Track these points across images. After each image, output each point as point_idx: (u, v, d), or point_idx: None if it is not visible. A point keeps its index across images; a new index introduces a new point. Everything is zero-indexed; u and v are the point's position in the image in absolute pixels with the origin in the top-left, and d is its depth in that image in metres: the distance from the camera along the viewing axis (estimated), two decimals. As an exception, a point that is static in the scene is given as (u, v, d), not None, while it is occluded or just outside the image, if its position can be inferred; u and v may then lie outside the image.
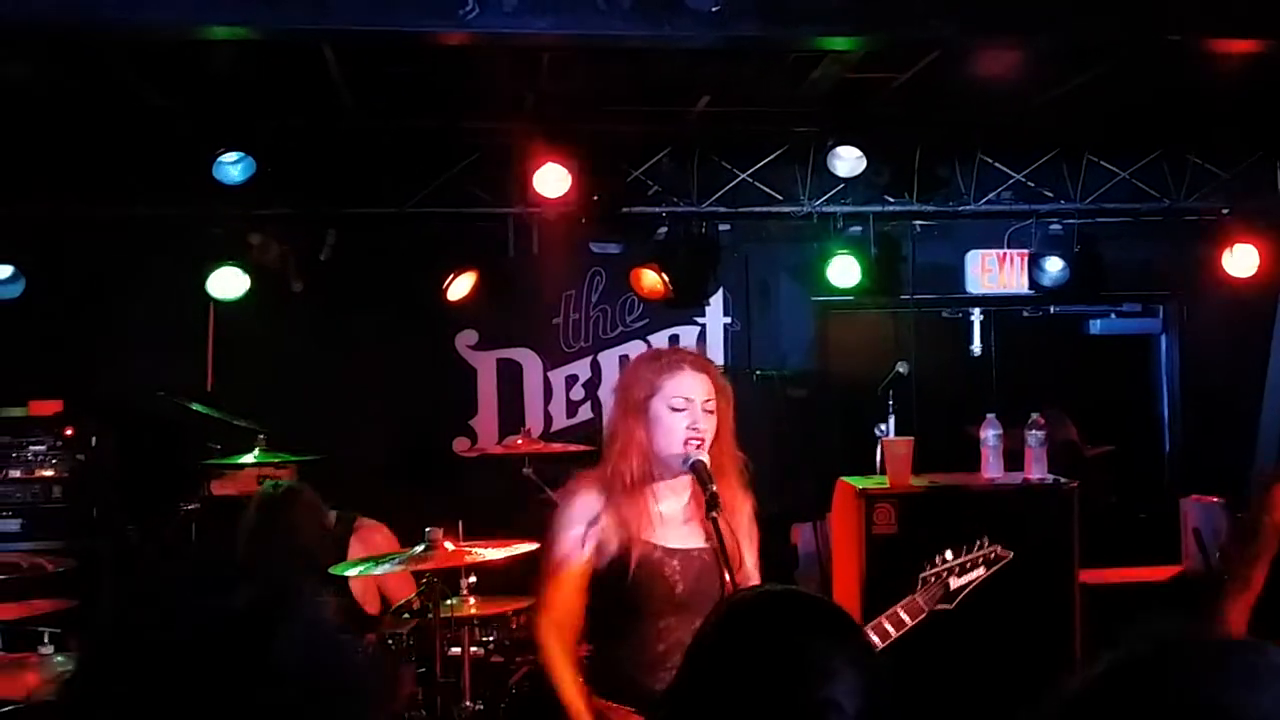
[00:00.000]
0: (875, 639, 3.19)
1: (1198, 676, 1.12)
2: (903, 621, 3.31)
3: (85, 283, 7.27)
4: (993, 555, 3.50)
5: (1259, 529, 3.84)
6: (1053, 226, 7.79)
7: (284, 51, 5.67)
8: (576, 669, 3.26)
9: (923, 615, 3.33)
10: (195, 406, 6.69)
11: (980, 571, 3.47)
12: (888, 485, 5.69)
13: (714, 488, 3.16)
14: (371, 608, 5.16)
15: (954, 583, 3.43)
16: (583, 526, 3.24)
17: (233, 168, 6.52)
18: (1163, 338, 8.62)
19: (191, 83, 6.14)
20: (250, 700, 1.21)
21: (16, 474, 6.61)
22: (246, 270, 6.98)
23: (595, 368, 8.06)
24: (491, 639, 5.22)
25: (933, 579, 3.43)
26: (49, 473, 6.62)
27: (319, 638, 1.30)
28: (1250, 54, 5.37)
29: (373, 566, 4.41)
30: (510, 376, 7.98)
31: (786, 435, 7.32)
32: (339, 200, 7.18)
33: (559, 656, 3.24)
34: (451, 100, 6.57)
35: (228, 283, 6.96)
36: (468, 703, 4.77)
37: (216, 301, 7.11)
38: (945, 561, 3.46)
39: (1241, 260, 7.50)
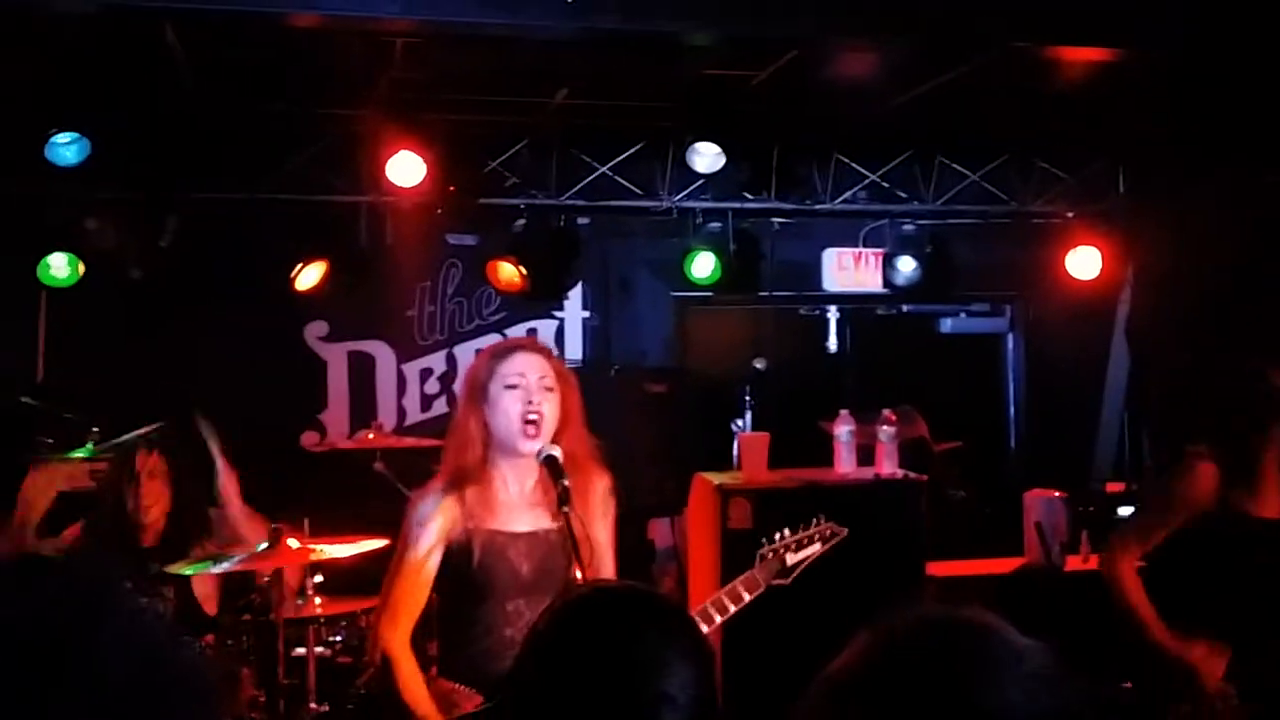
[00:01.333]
0: (715, 614, 3.27)
1: (944, 661, 1.18)
2: (740, 596, 3.39)
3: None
4: (829, 532, 3.65)
5: (1174, 500, 3.98)
6: (906, 227, 7.94)
7: (123, 28, 5.41)
8: (418, 668, 3.21)
9: (760, 590, 3.45)
10: (24, 399, 6.35)
11: (816, 548, 3.60)
12: (743, 480, 5.71)
13: (565, 482, 3.15)
14: (210, 606, 4.96)
15: (790, 558, 3.55)
16: (430, 531, 3.23)
17: (67, 149, 6.19)
18: (1009, 337, 8.88)
19: (25, 58, 5.82)
20: (57, 709, 1.10)
21: None
22: (81, 256, 6.67)
23: (451, 361, 7.93)
24: (339, 639, 5.09)
25: (770, 555, 3.52)
26: None
27: (138, 638, 1.19)
28: (1094, 62, 5.55)
29: (210, 566, 4.23)
30: (362, 369, 7.80)
31: (644, 430, 7.29)
32: (181, 185, 6.90)
33: (402, 655, 3.21)
34: (302, 84, 6.37)
35: (60, 270, 6.64)
36: (313, 705, 4.63)
37: (49, 289, 6.78)
38: (783, 538, 3.56)
39: (1084, 262, 7.76)
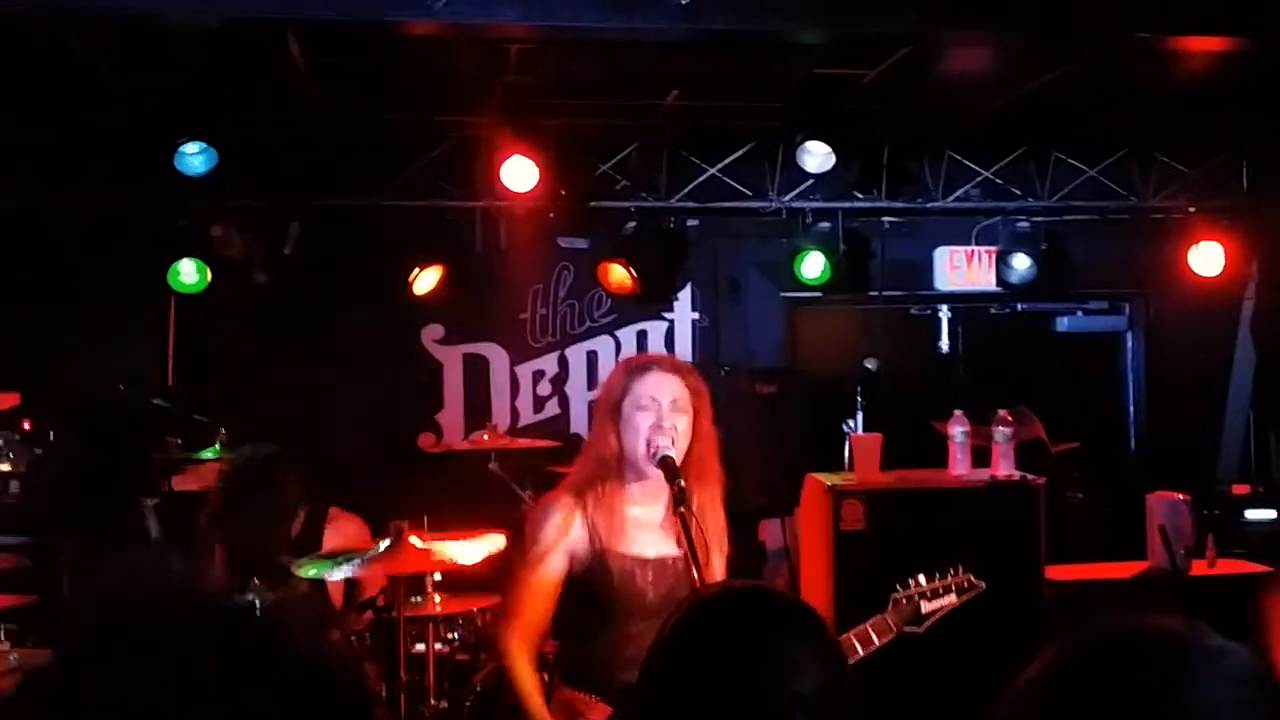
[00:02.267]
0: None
1: (1141, 665, 1.18)
2: (871, 640, 3.33)
3: (44, 274, 7.16)
4: (965, 584, 3.59)
5: None
6: (1020, 224, 7.80)
7: (248, 40, 5.59)
8: (538, 679, 3.23)
9: (891, 636, 3.39)
10: (156, 401, 6.60)
11: (951, 599, 3.53)
12: (856, 481, 5.67)
13: (682, 482, 3.14)
14: (335, 599, 5.08)
15: (925, 606, 3.48)
16: (555, 538, 3.23)
17: (195, 159, 6.41)
18: (1129, 335, 8.67)
19: (153, 71, 6.04)
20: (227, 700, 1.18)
21: (-28, 469, 6.49)
22: (208, 263, 6.89)
23: (562, 363, 8.02)
24: (456, 636, 5.18)
25: (904, 600, 3.47)
26: (5, 467, 6.48)
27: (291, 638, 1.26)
28: (1216, 52, 5.39)
29: (330, 567, 4.32)
30: (476, 371, 7.92)
31: (754, 431, 7.29)
32: (303, 192, 7.09)
33: (523, 666, 3.20)
34: (419, 92, 6.50)
35: (189, 276, 6.88)
36: (432, 701, 4.72)
37: (178, 294, 7.02)
38: (918, 585, 3.51)
39: (1207, 258, 7.54)
